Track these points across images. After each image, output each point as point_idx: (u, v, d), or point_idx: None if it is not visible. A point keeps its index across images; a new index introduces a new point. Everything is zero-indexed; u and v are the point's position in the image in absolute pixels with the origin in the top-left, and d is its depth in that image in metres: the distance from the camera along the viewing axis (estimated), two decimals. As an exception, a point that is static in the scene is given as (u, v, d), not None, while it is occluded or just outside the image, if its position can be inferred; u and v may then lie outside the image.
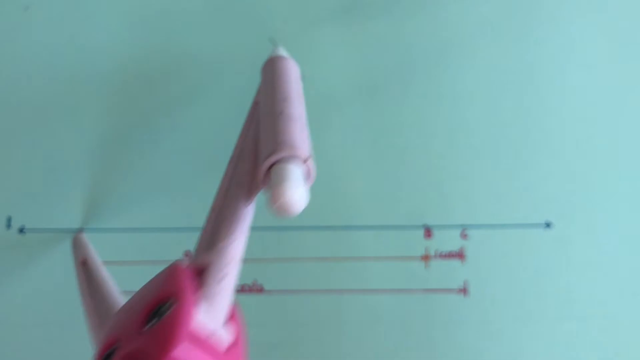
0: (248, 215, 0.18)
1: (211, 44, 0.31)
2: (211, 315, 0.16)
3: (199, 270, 0.17)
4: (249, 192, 0.18)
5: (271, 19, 0.31)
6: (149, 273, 0.31)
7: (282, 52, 0.24)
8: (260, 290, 0.32)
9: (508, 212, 0.31)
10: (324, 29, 0.31)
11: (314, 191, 0.31)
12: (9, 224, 0.31)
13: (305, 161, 0.17)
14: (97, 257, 0.28)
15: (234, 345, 0.17)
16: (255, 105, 0.22)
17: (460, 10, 0.31)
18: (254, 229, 0.31)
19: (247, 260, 0.31)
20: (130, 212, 0.31)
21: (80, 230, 0.31)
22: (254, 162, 0.19)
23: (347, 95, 0.31)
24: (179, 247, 0.31)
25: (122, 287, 0.32)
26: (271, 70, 0.23)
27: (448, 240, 0.31)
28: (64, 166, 0.31)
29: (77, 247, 0.29)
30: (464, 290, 0.31)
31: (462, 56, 0.31)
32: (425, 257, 0.32)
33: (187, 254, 0.32)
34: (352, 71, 0.31)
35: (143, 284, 0.31)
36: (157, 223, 0.31)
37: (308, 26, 0.31)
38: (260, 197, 0.22)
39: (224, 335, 0.17)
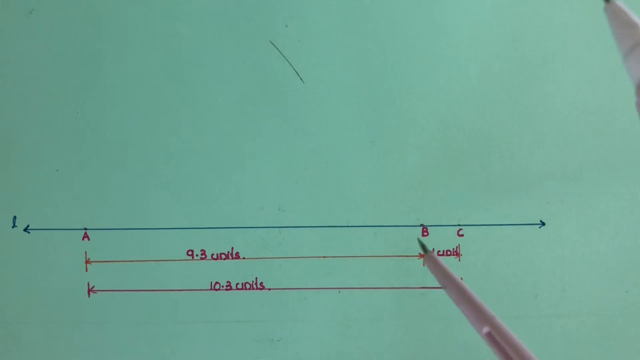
0: None
1: (212, 47, 0.31)
2: None
3: None
4: None
5: (271, 22, 0.31)
6: (151, 272, 0.32)
7: None
8: (261, 287, 0.32)
9: (503, 212, 0.32)
10: (323, 32, 0.31)
11: (315, 191, 0.32)
12: (14, 224, 0.32)
13: None
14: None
15: None
16: None
17: (457, 12, 0.31)
18: (254, 228, 0.32)
19: (248, 259, 0.32)
20: (132, 212, 0.32)
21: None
22: None
23: (346, 96, 0.32)
24: (182, 246, 0.32)
25: (125, 286, 0.32)
26: None
27: (444, 239, 0.32)
28: (68, 167, 0.32)
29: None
30: (460, 288, 0.32)
31: (459, 57, 0.31)
32: (423, 255, 0.32)
33: (189, 252, 0.32)
34: (352, 72, 0.31)
35: (146, 282, 0.32)
36: (159, 223, 0.32)
37: (308, 29, 0.31)
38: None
39: None
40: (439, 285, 0.32)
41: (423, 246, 0.27)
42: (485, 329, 0.20)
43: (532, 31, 0.31)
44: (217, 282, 0.32)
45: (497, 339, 0.20)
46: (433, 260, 0.26)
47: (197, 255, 0.32)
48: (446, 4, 0.31)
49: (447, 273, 0.24)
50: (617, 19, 0.17)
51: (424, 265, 0.32)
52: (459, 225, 0.32)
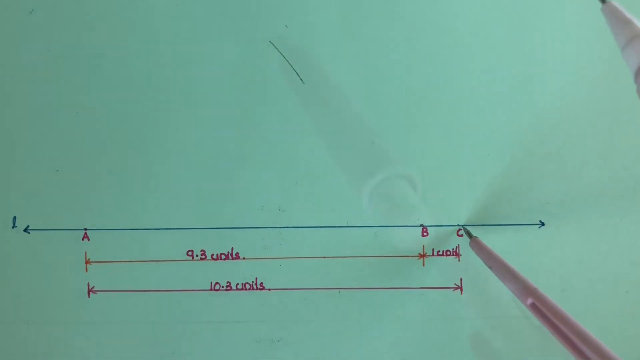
0: None
1: (212, 47, 0.31)
2: None
3: None
4: None
5: (271, 22, 0.31)
6: (151, 272, 0.32)
7: None
8: (261, 287, 0.32)
9: (503, 212, 0.32)
10: (323, 32, 0.31)
11: (315, 191, 0.32)
12: (14, 224, 0.32)
13: None
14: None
15: None
16: None
17: (457, 11, 0.31)
18: (254, 228, 0.32)
19: (248, 259, 0.32)
20: (132, 212, 0.32)
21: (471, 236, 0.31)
22: None
23: (346, 96, 0.32)
24: (182, 246, 0.32)
25: (125, 286, 0.32)
26: None
27: (444, 239, 0.32)
28: (68, 167, 0.32)
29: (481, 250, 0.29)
30: (459, 288, 0.32)
31: (458, 57, 0.31)
32: (423, 255, 0.32)
33: (189, 253, 0.32)
34: (352, 72, 0.31)
35: (146, 282, 0.32)
36: (159, 223, 0.32)
37: (308, 29, 0.31)
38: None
39: None
40: (439, 285, 0.32)
41: (468, 233, 0.31)
42: (530, 300, 0.23)
43: (532, 31, 0.31)
44: (217, 283, 0.32)
45: (540, 307, 0.22)
46: (479, 244, 0.30)
47: (197, 255, 0.32)
48: (446, 4, 0.31)
49: (492, 254, 0.28)
50: (614, 17, 0.18)
51: (423, 265, 0.32)
52: (458, 225, 0.32)
